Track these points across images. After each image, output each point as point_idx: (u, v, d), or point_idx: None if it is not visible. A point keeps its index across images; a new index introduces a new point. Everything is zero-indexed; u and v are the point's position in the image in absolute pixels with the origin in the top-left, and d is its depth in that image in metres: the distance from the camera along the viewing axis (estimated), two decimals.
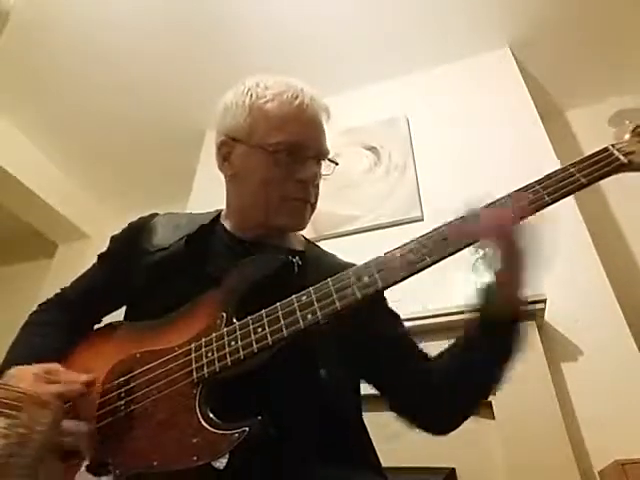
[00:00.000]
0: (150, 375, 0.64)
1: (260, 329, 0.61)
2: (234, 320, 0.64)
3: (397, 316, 0.84)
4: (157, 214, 0.92)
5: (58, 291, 0.91)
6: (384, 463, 0.75)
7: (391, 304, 0.86)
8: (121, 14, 2.36)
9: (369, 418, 0.78)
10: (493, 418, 1.48)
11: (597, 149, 0.60)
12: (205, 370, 0.61)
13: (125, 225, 0.92)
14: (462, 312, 1.56)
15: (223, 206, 0.92)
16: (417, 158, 2.24)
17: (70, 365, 0.71)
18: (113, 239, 0.91)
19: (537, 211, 0.59)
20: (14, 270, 3.79)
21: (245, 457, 0.54)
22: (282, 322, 0.60)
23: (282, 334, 0.59)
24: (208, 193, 2.01)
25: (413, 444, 1.35)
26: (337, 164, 0.85)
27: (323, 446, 0.66)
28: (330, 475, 0.63)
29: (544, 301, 1.49)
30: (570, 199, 0.70)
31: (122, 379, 0.65)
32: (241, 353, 0.60)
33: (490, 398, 1.22)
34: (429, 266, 0.58)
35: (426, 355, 0.79)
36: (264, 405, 0.59)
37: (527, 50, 2.46)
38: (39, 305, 0.89)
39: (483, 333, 0.67)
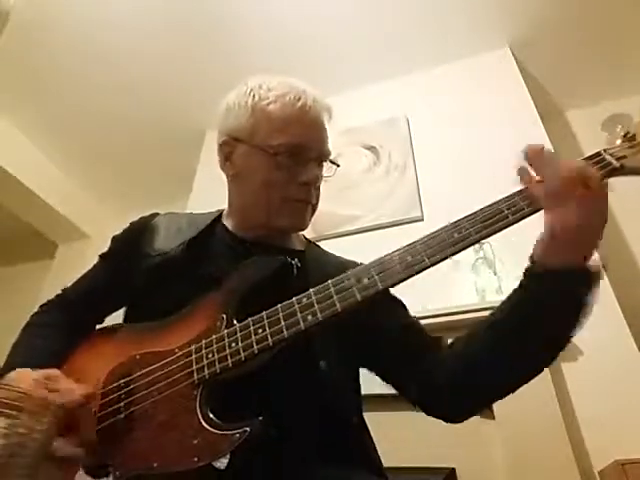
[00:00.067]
0: (150, 377, 0.64)
1: (261, 330, 0.61)
2: (234, 322, 0.64)
3: (399, 302, 0.83)
4: (158, 214, 0.92)
5: (59, 292, 0.91)
6: (384, 463, 0.75)
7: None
8: (121, 14, 2.36)
9: (369, 418, 0.78)
10: (493, 418, 1.48)
11: (590, 154, 0.60)
12: (206, 371, 0.61)
13: (125, 225, 0.92)
14: (462, 312, 1.59)
15: (223, 206, 0.92)
16: (417, 158, 2.25)
17: (70, 367, 0.72)
18: (114, 239, 0.91)
19: None
20: (14, 270, 3.79)
21: (246, 457, 0.54)
22: (283, 323, 0.60)
23: (283, 335, 0.60)
24: (208, 193, 2.01)
25: (413, 444, 1.36)
26: (339, 166, 0.85)
27: (324, 446, 0.66)
28: (330, 475, 0.63)
29: None
30: None
31: (122, 381, 0.65)
32: (242, 354, 0.60)
33: None
34: (428, 267, 0.58)
35: (438, 343, 0.75)
36: (265, 405, 0.59)
37: (527, 50, 2.46)
38: (40, 306, 0.89)
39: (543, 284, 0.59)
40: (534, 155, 0.59)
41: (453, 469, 1.47)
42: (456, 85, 2.46)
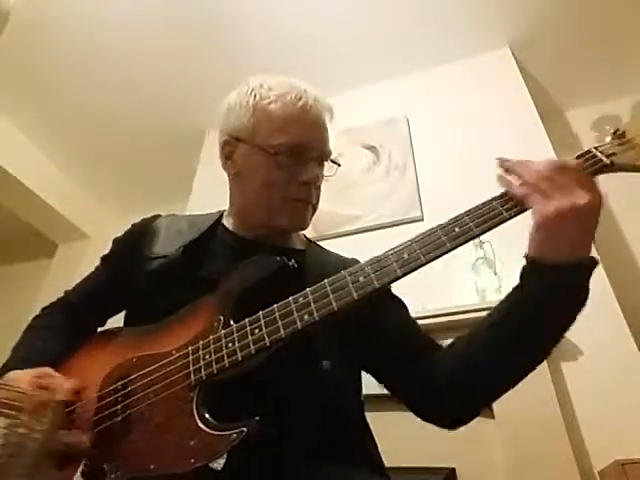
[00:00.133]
0: (147, 379, 0.64)
1: (257, 330, 0.61)
2: (231, 322, 0.64)
3: (400, 301, 0.83)
4: (160, 216, 0.92)
5: (62, 294, 0.91)
6: (384, 463, 0.75)
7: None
8: (121, 14, 2.36)
9: (370, 418, 0.78)
10: (493, 418, 1.48)
11: (580, 152, 0.61)
12: (203, 372, 0.61)
13: (125, 225, 0.92)
14: (462, 312, 1.59)
15: (223, 206, 0.92)
16: (417, 158, 2.25)
17: (68, 370, 0.72)
18: (115, 241, 0.91)
19: None
20: (14, 270, 3.79)
21: (243, 458, 0.54)
22: (279, 323, 0.60)
23: (280, 335, 0.60)
24: (208, 193, 2.01)
25: (413, 444, 1.36)
26: (339, 165, 0.85)
27: (325, 445, 0.66)
28: (332, 474, 0.63)
29: None
30: None
31: (119, 383, 0.65)
32: (239, 354, 0.60)
33: None
34: (424, 265, 0.58)
35: (436, 344, 0.75)
36: (263, 405, 0.59)
37: (527, 50, 2.46)
38: (42, 309, 0.90)
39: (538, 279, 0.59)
40: (506, 161, 0.61)
41: (453, 469, 1.47)
42: (456, 85, 2.46)
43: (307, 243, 0.92)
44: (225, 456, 0.53)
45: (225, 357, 0.61)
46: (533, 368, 0.64)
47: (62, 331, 0.83)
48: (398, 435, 1.14)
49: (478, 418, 0.70)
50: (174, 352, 0.65)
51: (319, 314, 0.59)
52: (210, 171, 2.43)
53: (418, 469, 1.44)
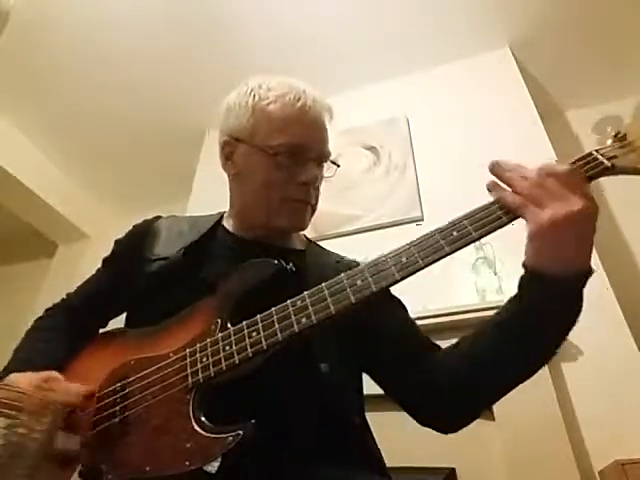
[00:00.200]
0: (145, 381, 0.64)
1: (255, 333, 0.61)
2: (229, 325, 0.65)
3: (399, 302, 0.83)
4: (160, 217, 0.92)
5: (62, 294, 0.91)
6: None
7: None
8: (121, 14, 2.36)
9: (370, 418, 0.78)
10: (493, 418, 1.48)
11: (581, 154, 0.60)
12: (200, 375, 0.61)
13: (125, 225, 0.92)
14: (462, 312, 1.59)
15: (223, 206, 0.92)
16: (417, 158, 2.25)
17: (70, 371, 0.72)
18: (117, 242, 0.91)
19: None
20: (14, 270, 3.80)
21: (238, 461, 0.54)
22: (277, 326, 0.60)
23: (277, 338, 0.60)
24: (208, 193, 2.01)
25: (413, 444, 1.35)
26: (339, 166, 0.85)
27: (324, 446, 0.65)
28: (331, 475, 0.63)
29: None
30: None
31: (118, 385, 0.66)
32: (236, 357, 0.60)
33: None
34: (422, 269, 0.58)
35: (434, 344, 0.75)
36: (259, 409, 0.59)
37: (527, 50, 2.46)
38: (45, 310, 0.90)
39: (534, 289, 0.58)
40: (497, 166, 0.59)
41: (453, 469, 1.47)
42: (456, 85, 2.46)
43: (307, 243, 0.92)
44: (220, 459, 0.53)
45: (222, 360, 0.61)
46: (536, 370, 0.64)
47: (64, 333, 0.83)
48: (398, 435, 1.14)
49: (478, 418, 0.70)
50: (172, 354, 0.65)
51: (317, 317, 0.59)
52: (210, 171, 2.43)
53: (418, 469, 1.44)
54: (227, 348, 0.61)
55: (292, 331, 0.59)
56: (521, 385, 0.65)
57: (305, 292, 0.62)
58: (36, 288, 3.09)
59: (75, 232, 3.38)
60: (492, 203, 0.59)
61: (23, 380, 0.64)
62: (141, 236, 0.87)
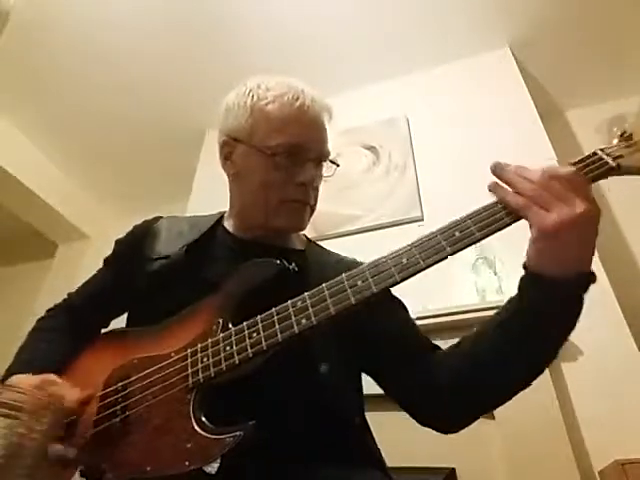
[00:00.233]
0: (146, 381, 0.64)
1: (255, 334, 0.61)
2: (230, 326, 0.65)
3: (399, 302, 0.83)
4: (161, 217, 0.92)
5: (62, 294, 0.91)
6: None
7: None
8: (121, 14, 2.36)
9: (369, 418, 0.78)
10: (493, 418, 1.48)
11: (586, 154, 0.59)
12: (200, 375, 0.61)
13: (125, 225, 0.92)
14: (462, 312, 1.59)
15: (223, 206, 0.92)
16: (417, 158, 2.25)
17: (73, 371, 0.73)
18: (118, 242, 0.92)
19: None
20: (14, 270, 3.79)
21: (237, 462, 0.54)
22: (277, 327, 0.60)
23: (277, 339, 0.60)
24: (208, 193, 2.01)
25: (413, 444, 1.35)
26: (338, 165, 0.85)
27: (323, 446, 0.65)
28: (331, 475, 0.63)
29: None
30: None
31: (120, 384, 0.66)
32: (236, 358, 0.60)
33: None
34: (423, 270, 0.57)
35: (434, 345, 0.75)
36: (259, 409, 0.59)
37: (527, 50, 2.46)
38: (47, 310, 0.91)
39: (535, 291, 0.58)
40: (499, 167, 0.59)
41: (453, 469, 1.47)
42: (456, 85, 2.46)
43: (307, 243, 0.92)
44: (219, 460, 0.53)
45: (223, 360, 0.61)
46: (537, 373, 0.64)
47: (66, 333, 0.83)
48: (398, 435, 1.14)
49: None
50: (173, 354, 0.65)
51: (317, 318, 0.59)
52: (210, 171, 2.43)
53: (418, 469, 1.44)
54: (228, 348, 0.61)
55: (292, 332, 0.59)
56: None
57: (306, 293, 0.62)
58: (36, 288, 3.09)
59: (75, 232, 3.38)
60: (495, 203, 0.58)
61: (24, 381, 0.65)
62: (141, 236, 0.87)
